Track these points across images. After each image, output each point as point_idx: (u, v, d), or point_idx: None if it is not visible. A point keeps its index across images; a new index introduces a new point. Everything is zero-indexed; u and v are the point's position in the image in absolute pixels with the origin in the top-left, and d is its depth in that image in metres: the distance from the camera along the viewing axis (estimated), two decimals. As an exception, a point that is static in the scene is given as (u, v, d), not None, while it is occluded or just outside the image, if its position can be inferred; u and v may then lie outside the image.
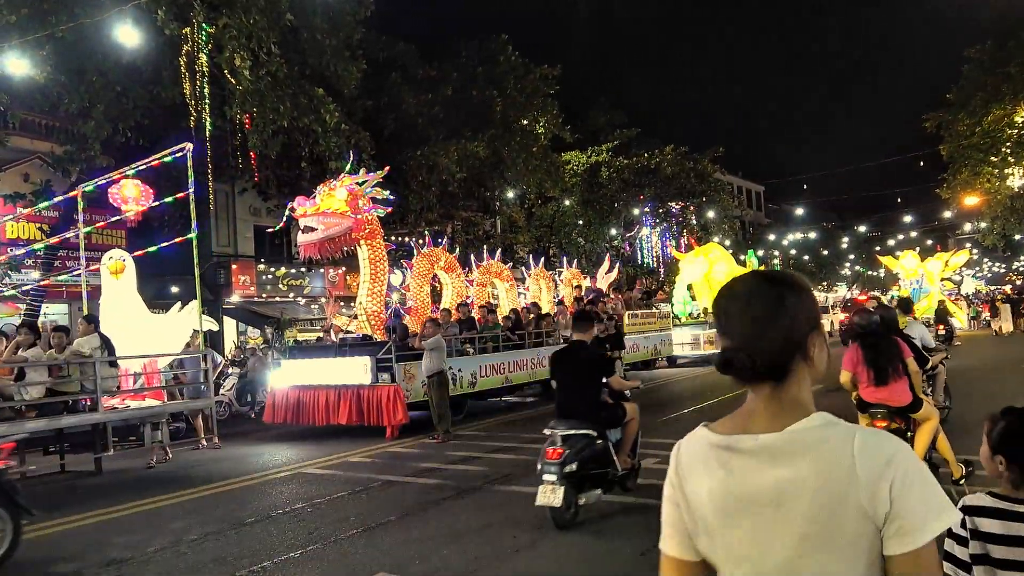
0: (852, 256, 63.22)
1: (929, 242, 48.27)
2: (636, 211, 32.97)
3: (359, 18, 16.97)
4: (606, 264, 22.02)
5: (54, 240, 14.28)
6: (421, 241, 15.50)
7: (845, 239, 59.45)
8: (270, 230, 16.02)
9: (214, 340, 18.55)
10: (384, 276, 12.71)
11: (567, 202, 29.57)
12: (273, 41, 14.09)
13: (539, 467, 5.65)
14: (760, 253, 40.49)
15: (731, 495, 1.22)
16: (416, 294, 13.97)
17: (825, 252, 58.43)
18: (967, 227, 45.75)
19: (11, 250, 14.99)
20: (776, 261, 50.28)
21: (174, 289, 18.22)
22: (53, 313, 18.11)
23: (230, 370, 15.63)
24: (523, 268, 22.72)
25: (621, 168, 31.33)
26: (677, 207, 34.18)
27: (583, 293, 18.48)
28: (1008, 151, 28.13)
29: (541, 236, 30.26)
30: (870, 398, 5.51)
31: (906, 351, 5.59)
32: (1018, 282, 54.46)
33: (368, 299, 12.49)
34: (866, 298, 31.99)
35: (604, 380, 6.06)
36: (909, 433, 5.45)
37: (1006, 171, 29.02)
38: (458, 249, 19.93)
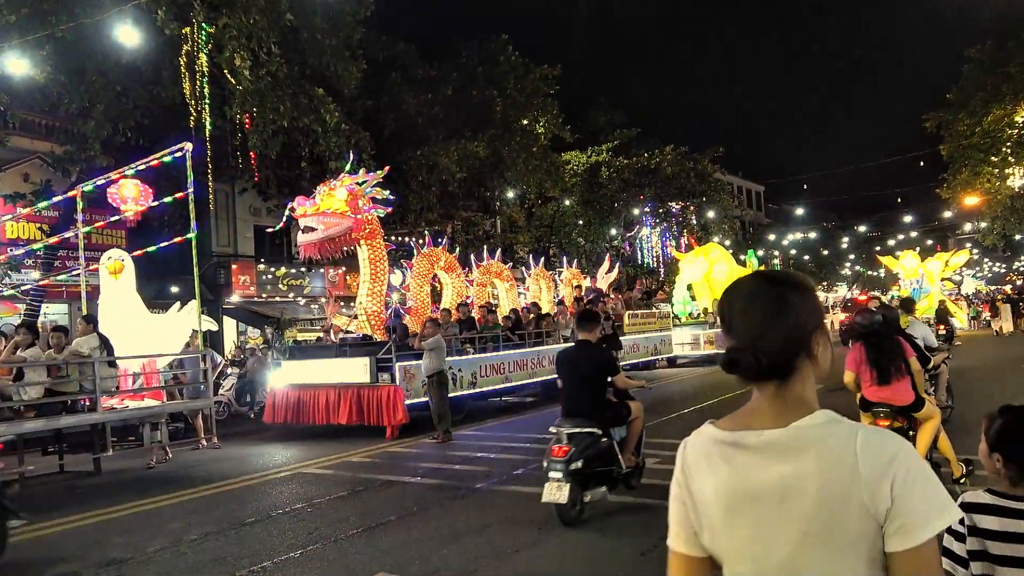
0: (852, 256, 63.24)
1: (929, 242, 48.28)
2: (636, 211, 32.98)
3: (359, 18, 16.97)
4: (606, 264, 22.01)
5: (53, 240, 14.28)
6: (421, 241, 15.49)
7: (845, 239, 59.47)
8: (270, 230, 16.01)
9: (214, 340, 18.54)
10: (384, 276, 12.71)
11: (567, 202, 29.57)
12: (273, 41, 14.09)
13: (545, 464, 5.71)
14: (760, 253, 40.45)
15: (735, 491, 1.24)
16: (416, 294, 13.96)
17: (825, 252, 58.46)
18: (967, 227, 45.78)
19: (11, 250, 14.98)
20: (776, 261, 50.29)
21: (174, 289, 18.22)
22: (53, 313, 18.11)
23: (229, 370, 15.63)
24: (523, 268, 22.72)
25: (621, 168, 31.33)
26: (677, 207, 34.19)
27: (583, 293, 18.48)
28: (1008, 151, 28.14)
29: (541, 236, 30.27)
30: (873, 397, 5.54)
31: (908, 350, 5.62)
32: (1018, 282, 54.44)
33: (368, 299, 12.49)
34: (866, 298, 31.99)
35: (609, 379, 6.11)
36: (911, 432, 5.47)
37: (1006, 171, 29.03)
38: (458, 249, 19.93)
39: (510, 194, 26.13)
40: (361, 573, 4.96)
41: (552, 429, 6.00)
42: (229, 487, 8.11)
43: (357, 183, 12.09)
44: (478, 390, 12.86)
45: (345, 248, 12.25)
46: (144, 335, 10.70)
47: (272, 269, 22.38)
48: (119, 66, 13.39)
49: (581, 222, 30.67)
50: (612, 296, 20.08)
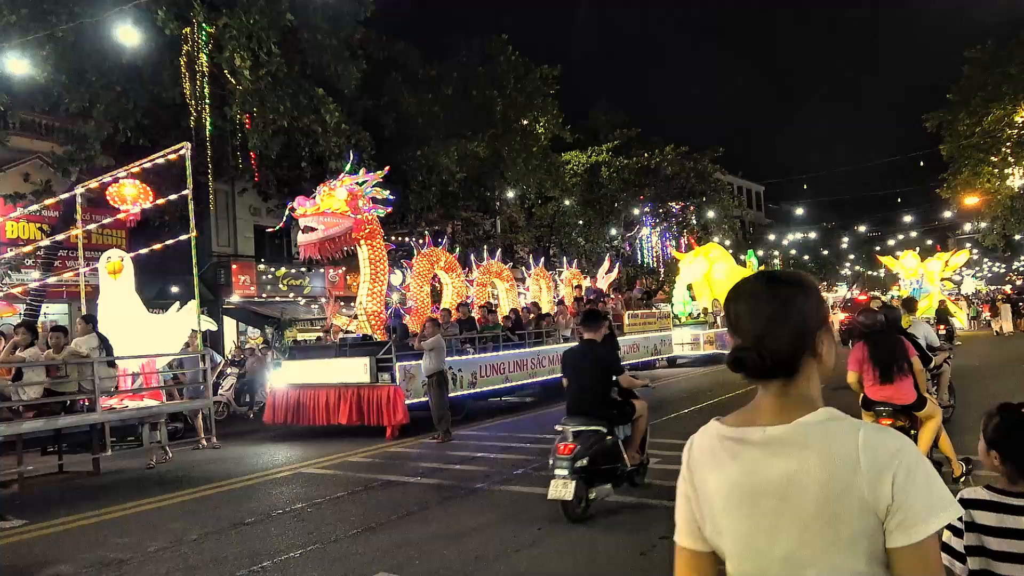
0: (852, 256, 63.25)
1: (929, 242, 48.19)
2: (636, 211, 32.98)
3: (359, 18, 16.96)
4: (606, 264, 22.01)
5: (45, 242, 14.27)
6: (421, 241, 15.49)
7: (845, 239, 59.48)
8: (270, 230, 16.00)
9: (214, 340, 18.54)
10: (384, 276, 12.71)
11: (567, 202, 29.56)
12: (273, 41, 14.08)
13: (551, 462, 5.78)
14: (760, 253, 40.47)
15: (738, 486, 1.26)
16: (416, 294, 13.96)
17: (825, 252, 58.47)
18: (967, 227, 45.75)
19: (10, 250, 14.97)
20: (776, 261, 50.32)
21: (174, 289, 18.22)
22: (53, 313, 18.10)
23: (229, 370, 15.63)
24: (523, 268, 22.71)
25: (621, 168, 31.32)
26: (677, 207, 34.19)
27: (583, 293, 18.47)
28: (1008, 151, 28.16)
29: (541, 236, 30.26)
30: (875, 396, 5.58)
31: (911, 350, 5.65)
32: (1018, 282, 54.45)
33: (368, 299, 12.49)
34: (866, 298, 31.98)
35: (614, 378, 6.18)
36: (913, 431, 5.50)
37: (1006, 171, 29.05)
38: (458, 249, 19.92)
39: (510, 194, 26.13)
40: (361, 573, 4.96)
41: (558, 427, 6.08)
42: (229, 487, 8.11)
43: (357, 183, 12.09)
44: (478, 390, 12.86)
45: (345, 248, 12.26)
46: (143, 335, 10.68)
47: (272, 269, 22.38)
48: (119, 66, 13.38)
49: (581, 222, 30.67)
50: (612, 296, 20.07)
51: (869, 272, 62.07)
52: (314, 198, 11.91)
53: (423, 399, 11.11)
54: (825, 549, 1.19)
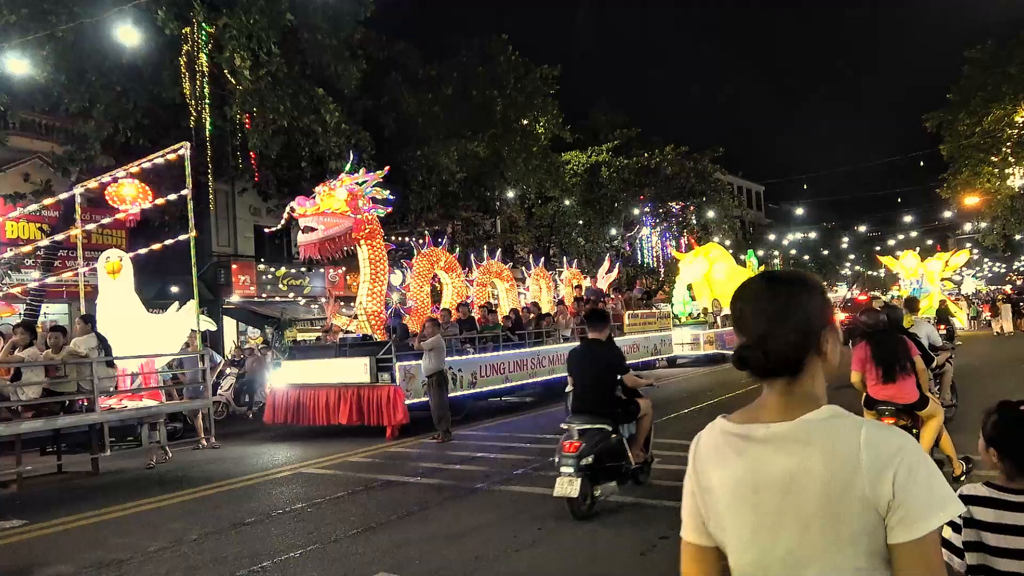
0: (852, 256, 63.26)
1: (929, 242, 48.22)
2: (636, 211, 32.98)
3: (359, 18, 16.96)
4: (606, 264, 21.99)
5: (45, 242, 14.26)
6: (421, 241, 15.48)
7: (845, 239, 59.49)
8: (269, 230, 15.99)
9: (214, 340, 18.54)
10: (384, 276, 12.70)
11: (567, 202, 29.56)
12: (273, 41, 14.08)
13: (556, 460, 5.85)
14: (760, 253, 40.46)
15: (742, 482, 1.28)
16: (416, 294, 13.96)
17: (825, 252, 58.48)
18: (967, 227, 45.77)
19: (10, 250, 14.97)
20: (776, 261, 50.32)
21: (174, 289, 18.22)
22: (53, 313, 18.10)
23: (228, 370, 15.62)
24: (523, 268, 22.70)
25: (621, 168, 31.31)
26: (677, 207, 34.19)
27: (583, 293, 18.46)
28: (1008, 151, 28.16)
29: (541, 236, 30.26)
30: (878, 395, 5.63)
31: (913, 349, 5.70)
32: (1018, 282, 54.45)
33: (368, 299, 12.48)
34: (866, 298, 31.99)
35: (619, 377, 6.25)
36: (914, 430, 5.52)
37: (1006, 171, 29.05)
38: (458, 249, 19.92)
39: (510, 194, 26.12)
40: (361, 573, 4.95)
41: (563, 425, 6.18)
42: (229, 487, 8.10)
43: (357, 183, 12.08)
44: (478, 390, 12.85)
45: (345, 248, 12.25)
46: (142, 335, 10.68)
47: (272, 269, 22.37)
48: (119, 66, 13.37)
49: (581, 222, 30.66)
50: (612, 296, 20.06)
51: (869, 272, 62.09)
52: (314, 198, 11.90)
53: (423, 399, 11.10)
54: (826, 545, 1.20)
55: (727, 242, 32.94)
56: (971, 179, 29.68)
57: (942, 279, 28.77)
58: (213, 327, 16.73)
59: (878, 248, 48.57)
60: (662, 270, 34.39)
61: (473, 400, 13.01)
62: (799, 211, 52.55)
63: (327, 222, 11.79)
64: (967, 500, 2.05)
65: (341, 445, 10.43)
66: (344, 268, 22.79)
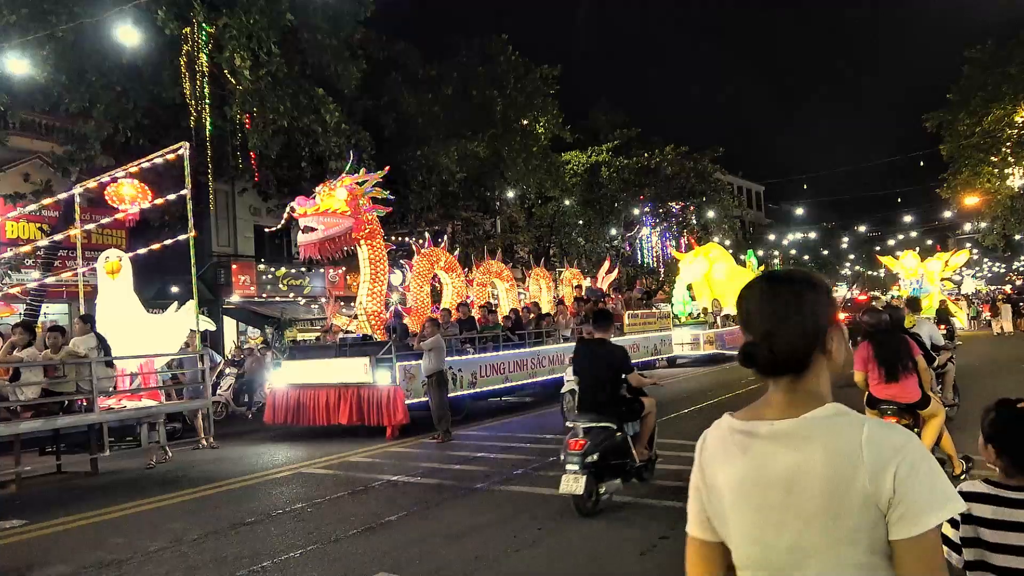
0: (852, 256, 63.26)
1: (929, 242, 48.22)
2: (636, 211, 32.98)
3: (359, 18, 16.96)
4: (606, 264, 21.99)
5: (44, 242, 14.26)
6: (421, 241, 15.48)
7: (845, 239, 59.48)
8: (269, 230, 15.99)
9: (214, 340, 18.54)
10: (384, 276, 12.70)
11: (567, 202, 29.56)
12: (273, 41, 14.08)
13: (562, 457, 5.95)
14: (760, 253, 40.47)
15: (746, 478, 1.30)
16: (416, 294, 13.95)
17: (825, 252, 58.48)
18: (967, 227, 45.76)
19: (9, 250, 14.97)
20: (776, 261, 50.32)
21: (174, 289, 18.22)
22: (53, 313, 18.09)
23: (227, 370, 15.62)
24: (523, 268, 22.70)
25: (621, 168, 31.32)
26: (677, 207, 34.19)
27: (583, 293, 18.46)
28: (1008, 151, 28.15)
29: (541, 236, 30.26)
30: (880, 394, 5.68)
31: (915, 349, 5.73)
32: (1018, 282, 54.45)
33: (368, 299, 12.48)
34: (866, 298, 31.98)
35: (624, 376, 6.34)
36: (916, 429, 5.55)
37: (1006, 171, 29.05)
38: (458, 249, 19.92)
39: (510, 194, 26.12)
40: (361, 573, 4.95)
41: (569, 423, 6.29)
42: (229, 487, 8.10)
43: (357, 183, 12.08)
44: (478, 390, 12.85)
45: (345, 248, 12.24)
46: (141, 335, 10.67)
47: (272, 269, 22.37)
48: (119, 66, 13.37)
49: (581, 222, 30.67)
50: (612, 296, 20.05)
51: (869, 272, 62.08)
52: (314, 198, 11.90)
53: (423, 399, 11.10)
54: (828, 541, 1.22)
55: (727, 242, 32.95)
56: (971, 179, 29.68)
57: (942, 279, 28.77)
58: (212, 327, 16.72)
59: (878, 248, 48.58)
60: (662, 270, 34.39)
61: (473, 400, 13.01)
62: (799, 211, 52.58)
63: (327, 222, 11.78)
64: (966, 497, 2.06)
65: (341, 445, 10.43)
66: (344, 268, 22.79)
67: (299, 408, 11.84)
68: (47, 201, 13.31)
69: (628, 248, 33.51)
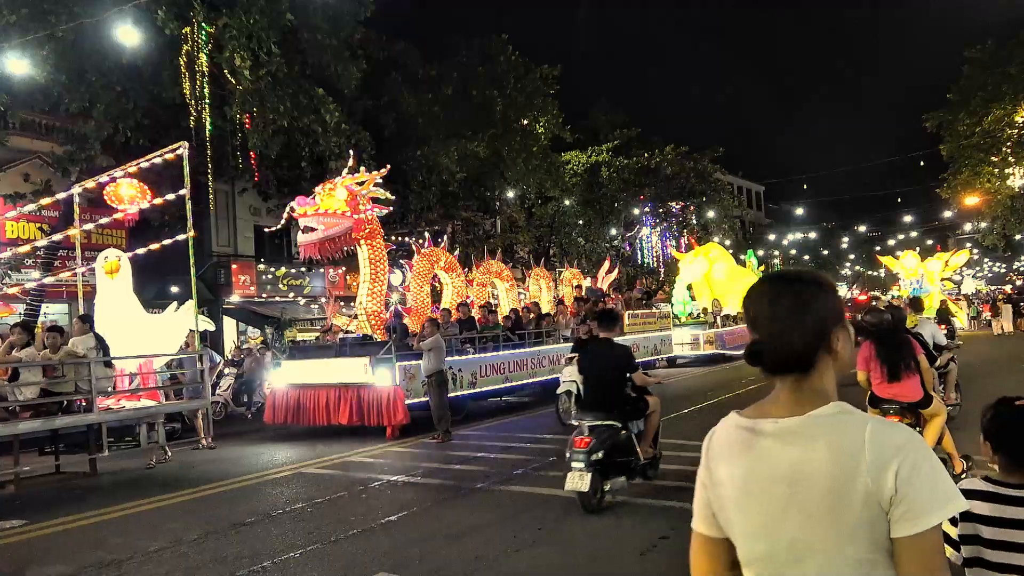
0: (852, 256, 63.27)
1: (929, 242, 48.24)
2: (636, 211, 32.98)
3: (359, 18, 16.95)
4: (606, 264, 21.99)
5: (43, 242, 14.25)
6: (421, 241, 15.47)
7: (845, 239, 59.50)
8: (269, 230, 15.98)
9: (213, 340, 18.54)
10: (384, 276, 12.70)
11: (567, 202, 29.56)
12: (273, 41, 14.07)
13: (568, 455, 6.02)
14: (760, 253, 40.47)
15: (752, 474, 1.32)
16: (416, 294, 13.95)
17: (825, 252, 58.50)
18: (967, 227, 45.76)
19: (9, 250, 14.96)
20: (776, 261, 50.34)
21: (174, 289, 18.21)
22: (53, 313, 18.09)
23: (227, 370, 15.61)
24: (523, 268, 22.70)
25: (621, 168, 31.31)
26: (677, 207, 34.19)
27: (583, 293, 18.45)
28: (1008, 151, 28.15)
29: (541, 236, 30.25)
30: (883, 393, 5.71)
31: (917, 348, 5.75)
32: (1018, 282, 54.46)
33: (368, 299, 12.48)
34: (866, 298, 32.00)
35: (628, 376, 6.41)
36: (918, 428, 5.56)
37: (1006, 171, 29.04)
38: (458, 249, 19.92)
39: (510, 194, 26.12)
40: (361, 573, 4.95)
41: (574, 422, 6.40)
42: (229, 487, 8.10)
43: (357, 183, 12.08)
44: (478, 390, 12.85)
45: (345, 248, 12.24)
46: (140, 335, 10.66)
47: (272, 269, 22.37)
48: (119, 66, 13.37)
49: (581, 222, 30.66)
50: (612, 296, 20.05)
51: (869, 272, 62.14)
52: (314, 198, 11.89)
53: (423, 399, 11.10)
54: (830, 536, 1.24)
55: (727, 242, 32.95)
56: (971, 179, 29.67)
57: (942, 279, 28.79)
58: (212, 327, 16.69)
59: (878, 248, 48.62)
60: (662, 270, 34.38)
61: (473, 400, 13.01)
62: (799, 211, 52.60)
63: (327, 222, 11.78)
64: (965, 495, 2.06)
65: (341, 445, 10.42)
66: (344, 268, 22.79)
67: (299, 408, 11.84)
68: (46, 201, 13.29)
69: (628, 248, 33.50)
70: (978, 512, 2.04)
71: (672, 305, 24.30)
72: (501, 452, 9.24)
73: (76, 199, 12.18)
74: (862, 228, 58.37)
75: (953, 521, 2.07)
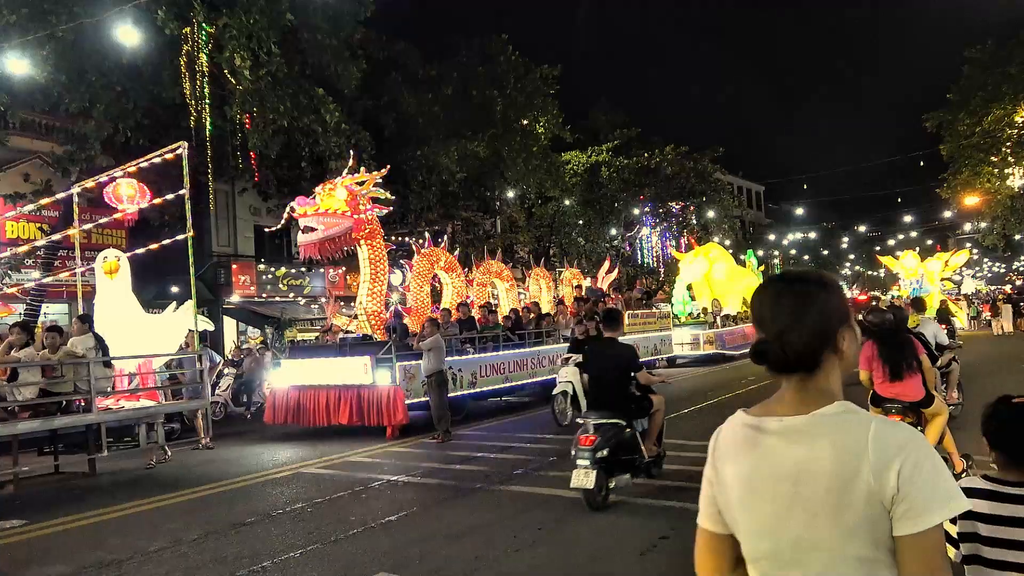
0: (852, 256, 63.28)
1: (929, 242, 48.27)
2: (636, 211, 32.97)
3: (359, 18, 16.95)
4: (606, 264, 21.98)
5: (42, 242, 14.24)
6: (421, 241, 15.47)
7: (845, 239, 59.51)
8: (269, 230, 15.99)
9: (213, 340, 18.53)
10: (384, 276, 12.69)
11: (567, 202, 29.56)
12: (273, 41, 14.07)
13: (573, 453, 6.07)
14: (760, 253, 40.46)
15: (757, 471, 1.34)
16: (416, 294, 13.95)
17: (825, 252, 58.50)
18: (967, 227, 45.76)
19: (9, 250, 14.96)
20: (776, 261, 50.34)
21: (174, 289, 18.21)
22: (53, 313, 18.08)
23: (226, 370, 15.60)
24: (523, 268, 22.69)
25: (621, 168, 31.31)
26: (677, 207, 34.19)
27: (583, 293, 18.44)
28: (1008, 151, 28.15)
29: (541, 236, 30.25)
30: (885, 393, 5.74)
31: (919, 348, 5.77)
32: (1018, 282, 54.47)
33: (368, 299, 12.47)
34: (866, 298, 32.00)
35: (633, 374, 6.47)
36: (919, 427, 5.57)
37: (1006, 171, 29.04)
38: (458, 249, 19.92)
39: (510, 194, 26.12)
40: (361, 573, 4.95)
41: (579, 420, 6.47)
42: (229, 487, 8.10)
43: (357, 183, 12.08)
44: (478, 390, 12.84)
45: (345, 248, 12.24)
46: (139, 335, 10.65)
47: (272, 269, 22.37)
48: (119, 66, 13.36)
49: (581, 222, 30.66)
50: (612, 296, 20.04)
51: (869, 272, 62.16)
52: (314, 198, 11.89)
53: (423, 399, 11.09)
54: (833, 534, 1.25)
55: (727, 242, 32.95)
56: (971, 179, 29.67)
57: (942, 279, 28.80)
58: (211, 327, 16.68)
59: (878, 248, 48.65)
60: (662, 270, 34.38)
61: (473, 400, 13.00)
62: (799, 211, 52.61)
63: (327, 222, 11.78)
64: (964, 493, 2.07)
65: (341, 445, 10.42)
66: (344, 268, 22.79)
67: (299, 408, 11.83)
68: (46, 201, 13.29)
69: (628, 248, 33.50)
70: (976, 510, 2.05)
71: (672, 305, 24.30)
72: (501, 452, 9.24)
73: (76, 199, 12.17)
74: (862, 228, 58.42)
75: (952, 519, 2.06)
